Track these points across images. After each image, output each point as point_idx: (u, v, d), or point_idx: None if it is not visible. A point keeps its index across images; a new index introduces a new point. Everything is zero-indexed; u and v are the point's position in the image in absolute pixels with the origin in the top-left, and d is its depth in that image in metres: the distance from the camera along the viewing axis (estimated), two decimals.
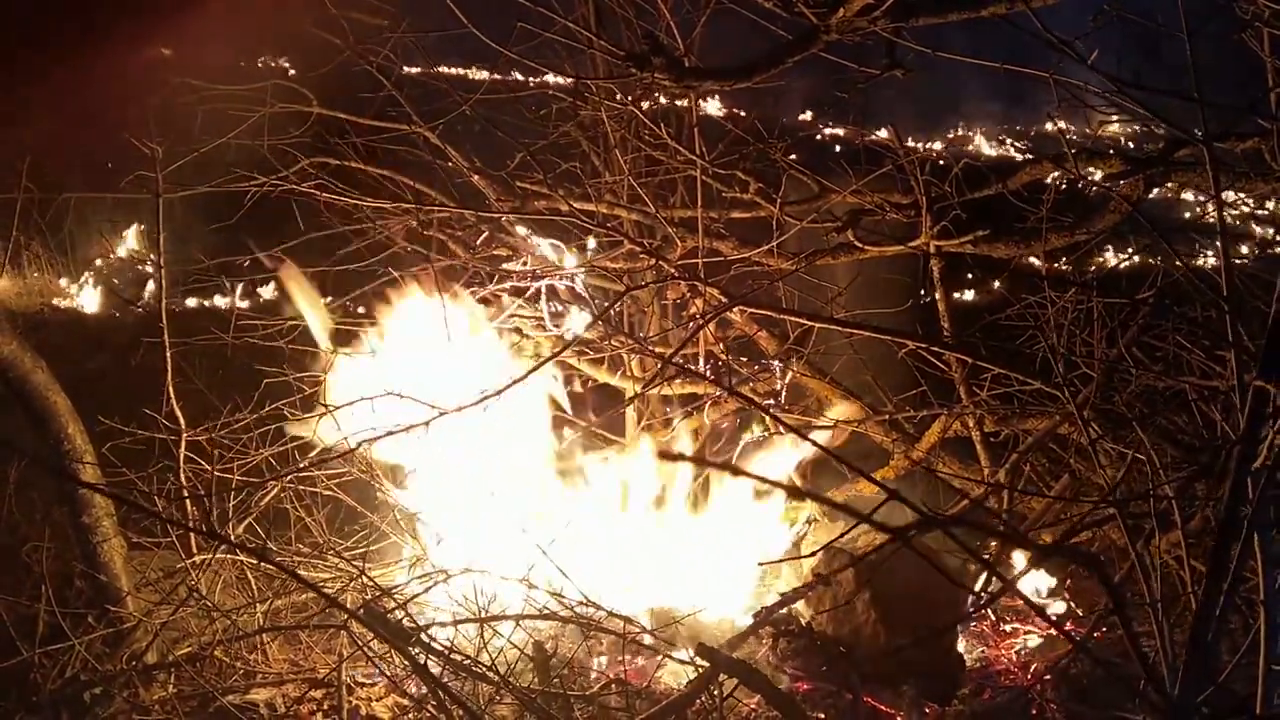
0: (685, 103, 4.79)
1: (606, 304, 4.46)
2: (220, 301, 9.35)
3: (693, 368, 4.48)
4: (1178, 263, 2.61)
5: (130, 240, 11.34)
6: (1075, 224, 4.29)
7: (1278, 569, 2.08)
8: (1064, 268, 5.00)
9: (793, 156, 4.83)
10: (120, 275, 11.04)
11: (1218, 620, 1.73)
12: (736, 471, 1.30)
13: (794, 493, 1.26)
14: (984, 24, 3.55)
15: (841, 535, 1.99)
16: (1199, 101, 2.14)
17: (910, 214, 4.31)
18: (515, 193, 4.83)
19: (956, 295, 12.20)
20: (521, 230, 4.86)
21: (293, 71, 5.54)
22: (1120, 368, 3.65)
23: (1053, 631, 3.98)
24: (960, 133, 23.68)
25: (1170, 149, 3.92)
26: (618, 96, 4.76)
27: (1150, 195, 4.30)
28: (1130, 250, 4.88)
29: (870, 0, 3.43)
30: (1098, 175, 4.15)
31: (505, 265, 4.67)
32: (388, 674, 3.58)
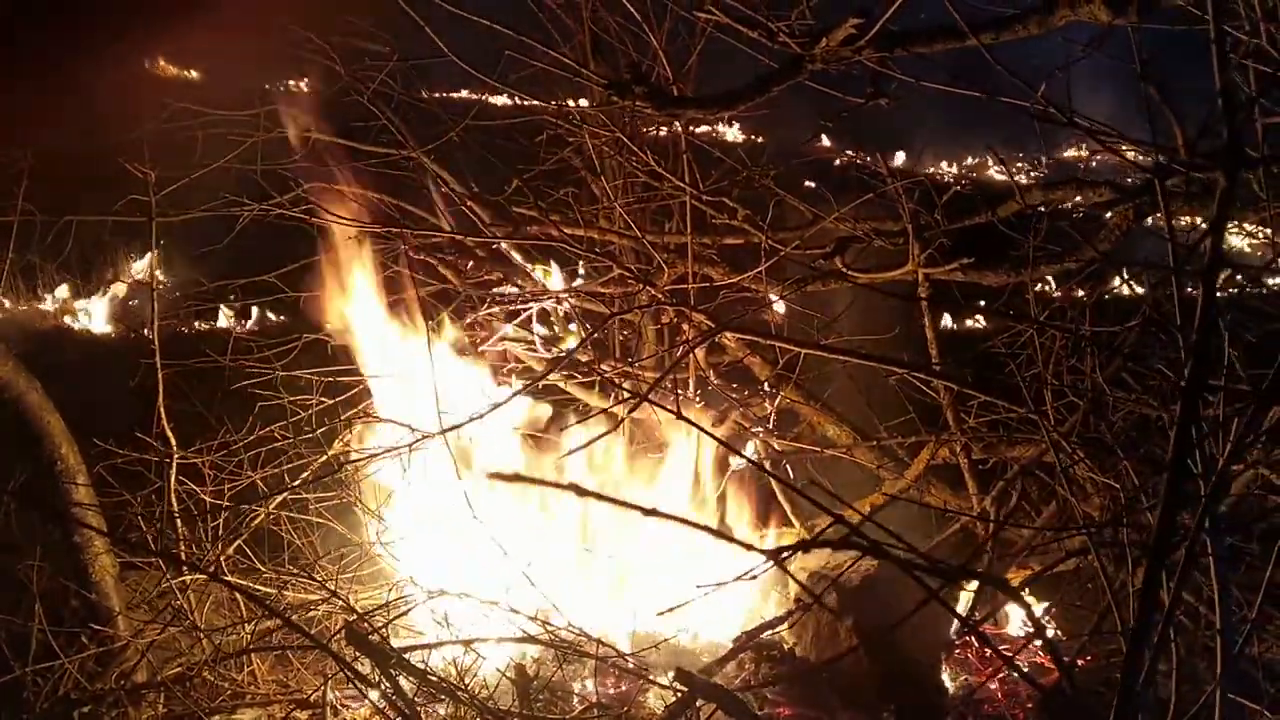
0: (698, 129, 4.84)
1: (592, 329, 4.49)
2: (226, 323, 9.47)
3: (681, 394, 4.49)
4: (1146, 293, 2.63)
5: (143, 262, 11.49)
6: (1065, 252, 4.29)
7: (1231, 597, 2.08)
8: (1080, 295, 4.98)
9: (809, 184, 4.84)
10: (135, 296, 11.17)
11: (1154, 652, 1.74)
12: (581, 492, 1.32)
13: (653, 514, 1.24)
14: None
15: (801, 548, 2.01)
16: (1156, 146, 2.16)
17: (899, 241, 4.32)
18: (510, 218, 4.88)
19: (969, 322, 12.18)
20: (516, 256, 4.91)
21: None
22: (1103, 397, 3.65)
23: (1038, 658, 3.97)
24: (977, 159, 23.73)
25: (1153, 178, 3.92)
26: (626, 121, 4.80)
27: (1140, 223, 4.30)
28: (1120, 280, 4.86)
29: (853, 31, 3.45)
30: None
31: (497, 290, 4.71)
32: (369, 696, 3.60)
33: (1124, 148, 2.60)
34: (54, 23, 3.97)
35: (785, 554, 1.25)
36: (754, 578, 1.51)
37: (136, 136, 4.24)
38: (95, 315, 10.73)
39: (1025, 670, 3.98)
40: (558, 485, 1.29)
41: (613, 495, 1.34)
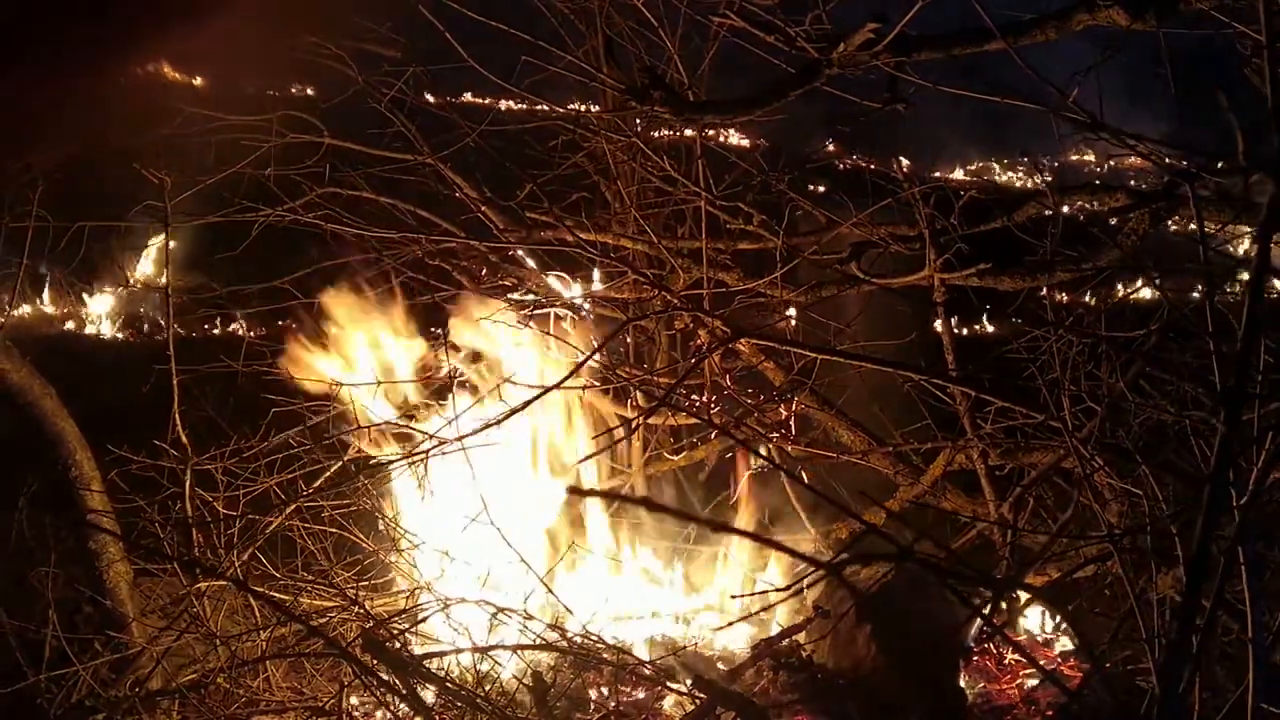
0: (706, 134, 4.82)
1: (607, 335, 4.48)
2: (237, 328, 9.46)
3: (696, 399, 4.49)
4: (1170, 297, 2.61)
5: (148, 265, 11.48)
6: (1082, 257, 4.27)
7: (1262, 606, 2.06)
8: (1091, 301, 4.96)
9: (820, 189, 4.82)
10: (144, 302, 11.18)
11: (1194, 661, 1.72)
12: (652, 506, 1.30)
13: (722, 529, 1.23)
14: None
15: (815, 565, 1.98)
16: (1188, 151, 2.14)
17: (915, 246, 4.30)
18: (524, 223, 4.87)
19: (978, 328, 12.13)
20: (530, 261, 4.90)
21: (324, 105, 5.61)
22: (1122, 403, 3.63)
23: (1056, 665, 3.94)
24: (982, 163, 23.71)
25: (1173, 183, 3.91)
26: (638, 126, 4.79)
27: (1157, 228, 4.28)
28: (1144, 284, 4.84)
29: (871, 35, 3.45)
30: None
31: (510, 295, 4.70)
32: (387, 703, 3.59)
33: (1146, 151, 2.58)
34: (65, 29, 3.97)
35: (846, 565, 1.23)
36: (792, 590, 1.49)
37: (150, 142, 4.23)
38: (104, 320, 10.74)
39: (1049, 678, 3.96)
40: (632, 500, 1.27)
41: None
